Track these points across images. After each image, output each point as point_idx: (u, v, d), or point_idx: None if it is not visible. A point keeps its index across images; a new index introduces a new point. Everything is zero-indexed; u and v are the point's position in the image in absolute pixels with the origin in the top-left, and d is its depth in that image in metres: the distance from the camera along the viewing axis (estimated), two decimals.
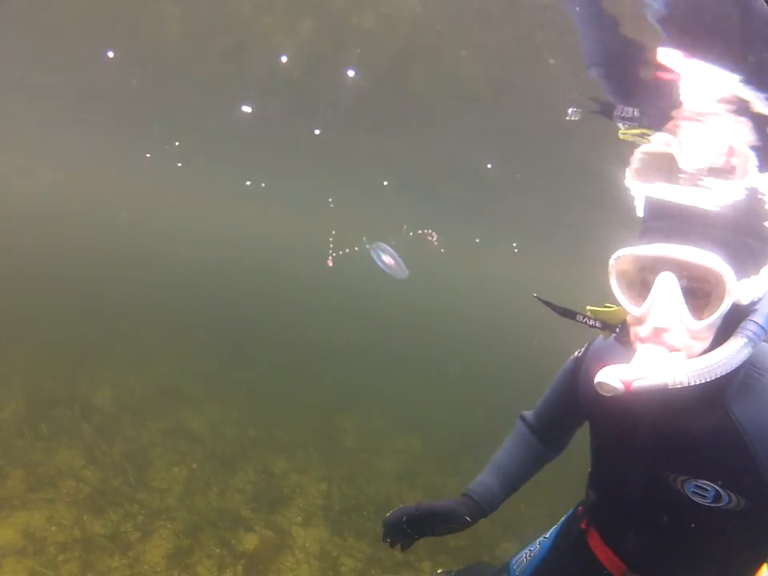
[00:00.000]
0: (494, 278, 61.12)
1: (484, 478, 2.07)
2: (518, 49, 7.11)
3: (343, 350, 15.38)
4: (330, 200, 31.22)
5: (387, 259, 6.56)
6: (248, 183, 33.36)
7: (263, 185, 33.25)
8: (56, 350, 9.83)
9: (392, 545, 2.00)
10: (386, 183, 21.99)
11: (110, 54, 11.71)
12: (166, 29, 9.63)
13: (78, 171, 46.24)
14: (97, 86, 15.37)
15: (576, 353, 1.99)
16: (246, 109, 14.21)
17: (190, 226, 54.22)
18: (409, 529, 1.92)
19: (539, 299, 1.81)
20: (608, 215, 12.34)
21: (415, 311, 30.37)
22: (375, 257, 6.55)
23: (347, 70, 9.51)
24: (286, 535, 5.83)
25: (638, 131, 2.35)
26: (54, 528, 5.00)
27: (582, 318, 1.68)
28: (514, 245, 32.94)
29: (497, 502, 2.03)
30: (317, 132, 15.21)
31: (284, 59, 9.50)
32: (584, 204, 15.60)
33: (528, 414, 2.24)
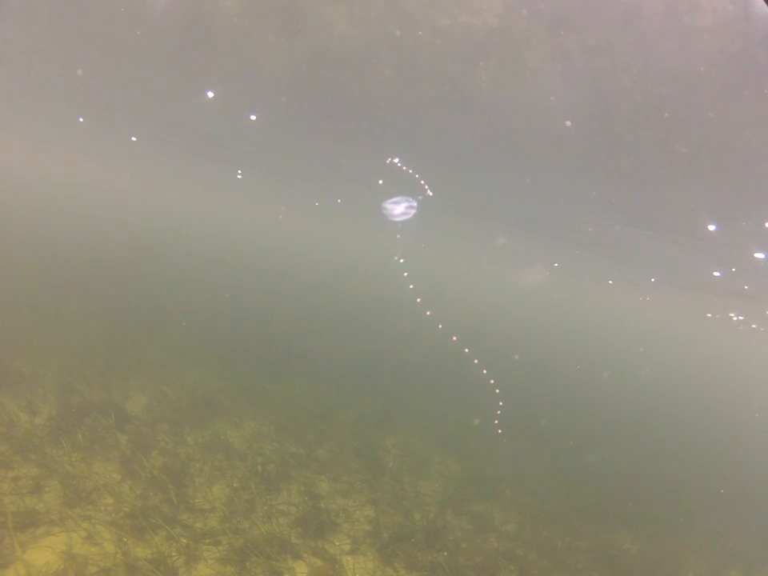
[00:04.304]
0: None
1: None
2: None
3: (379, 365, 14.95)
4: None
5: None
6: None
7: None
8: (86, 354, 9.52)
9: None
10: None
11: None
12: None
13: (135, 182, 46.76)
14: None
15: None
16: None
17: (234, 240, 54.62)
18: None
19: None
20: None
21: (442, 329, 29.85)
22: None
23: None
24: (336, 564, 5.39)
25: None
26: (94, 549, 4.61)
27: None
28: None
29: None
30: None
31: None
32: None
33: None
